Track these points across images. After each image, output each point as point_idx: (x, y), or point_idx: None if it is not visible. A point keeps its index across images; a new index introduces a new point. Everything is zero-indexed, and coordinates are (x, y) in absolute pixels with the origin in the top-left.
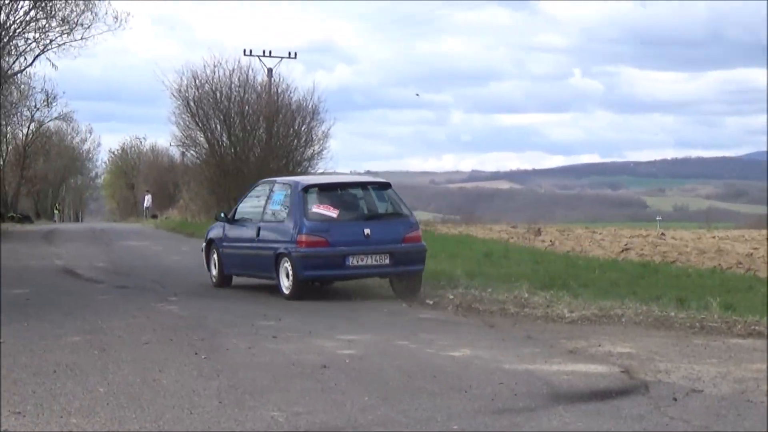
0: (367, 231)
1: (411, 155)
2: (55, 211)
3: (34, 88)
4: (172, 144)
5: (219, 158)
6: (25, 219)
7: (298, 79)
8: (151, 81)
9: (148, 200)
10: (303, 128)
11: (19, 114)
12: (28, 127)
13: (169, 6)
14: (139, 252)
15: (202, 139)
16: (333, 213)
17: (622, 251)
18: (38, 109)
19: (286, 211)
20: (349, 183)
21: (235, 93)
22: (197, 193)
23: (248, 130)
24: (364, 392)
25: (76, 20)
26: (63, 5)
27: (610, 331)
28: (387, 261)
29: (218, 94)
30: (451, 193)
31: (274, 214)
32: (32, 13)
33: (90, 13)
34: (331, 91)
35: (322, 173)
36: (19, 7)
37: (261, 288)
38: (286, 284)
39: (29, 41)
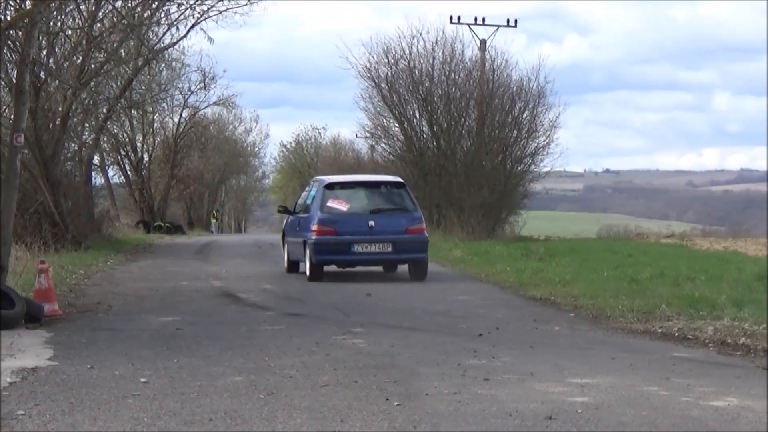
0: (371, 222)
1: (663, 149)
2: (213, 220)
3: (189, 66)
4: (359, 135)
5: (418, 153)
6: (175, 229)
7: (519, 54)
8: (333, 57)
9: None
10: (525, 115)
11: (169, 98)
12: (180, 115)
13: None
14: None
15: (396, 129)
16: (344, 207)
17: None
18: (193, 92)
19: (313, 205)
20: (366, 182)
21: (438, 71)
22: None
23: (455, 117)
24: None
25: None
26: None
27: None
28: (390, 249)
29: (417, 73)
30: (714, 197)
31: (308, 207)
32: None
33: None
34: (560, 68)
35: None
36: None
37: (471, 317)
38: (308, 267)
39: (183, 7)
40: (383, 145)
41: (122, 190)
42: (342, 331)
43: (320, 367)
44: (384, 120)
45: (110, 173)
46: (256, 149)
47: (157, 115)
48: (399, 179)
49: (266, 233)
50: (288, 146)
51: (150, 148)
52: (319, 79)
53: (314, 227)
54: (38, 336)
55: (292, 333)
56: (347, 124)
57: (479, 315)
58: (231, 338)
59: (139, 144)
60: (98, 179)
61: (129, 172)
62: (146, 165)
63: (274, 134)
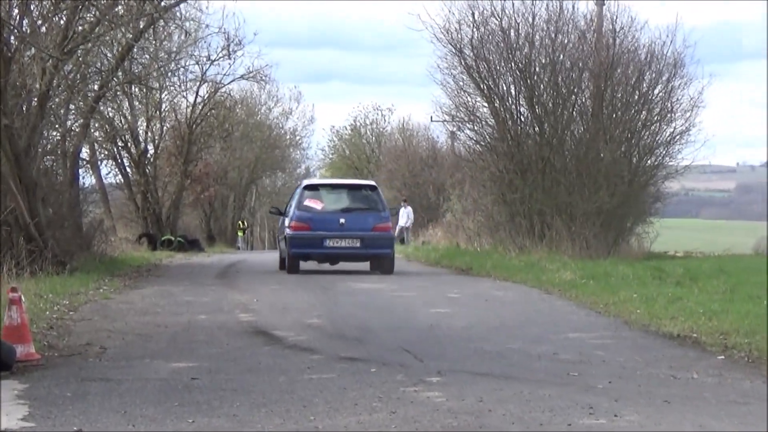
0: (342, 220)
1: None
2: (239, 233)
3: (208, 27)
4: (435, 118)
5: (513, 142)
6: (190, 245)
7: (648, 12)
8: (400, 15)
9: (406, 216)
10: (657, 91)
11: (182, 71)
12: (197, 93)
13: None
14: (379, 300)
15: (484, 109)
16: (318, 206)
17: None
18: (213, 62)
19: (293, 204)
20: (341, 184)
21: (541, 32)
22: (477, 201)
23: (563, 94)
24: None
25: None
26: None
27: None
28: (358, 244)
29: (513, 35)
30: None
31: (291, 206)
32: None
33: None
34: (704, 28)
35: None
36: None
37: (585, 362)
38: (286, 260)
39: None
40: (467, 131)
41: (120, 194)
42: (413, 381)
43: (384, 428)
44: (468, 98)
45: (104, 171)
46: (298, 138)
47: (165, 93)
48: (372, 183)
49: None
50: (341, 133)
51: (156, 138)
52: (380, 45)
53: (291, 223)
54: (8, 388)
55: (346, 383)
56: (420, 103)
57: (596, 359)
58: (265, 391)
59: (141, 132)
60: (88, 179)
61: (128, 170)
62: (151, 160)
63: (321, 118)
